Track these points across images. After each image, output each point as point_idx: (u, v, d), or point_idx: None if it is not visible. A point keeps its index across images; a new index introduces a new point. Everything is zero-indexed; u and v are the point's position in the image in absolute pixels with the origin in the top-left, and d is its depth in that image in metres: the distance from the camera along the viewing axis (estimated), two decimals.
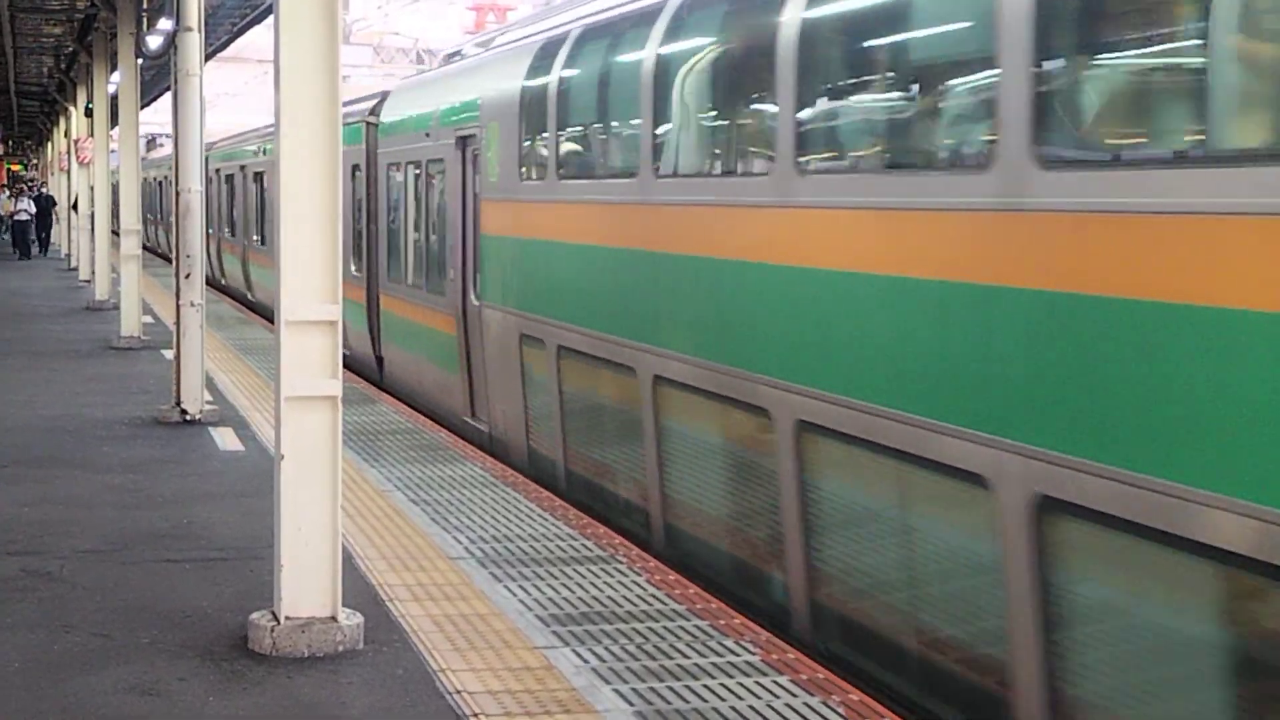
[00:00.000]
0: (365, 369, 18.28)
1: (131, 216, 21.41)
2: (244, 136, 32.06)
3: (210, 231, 33.24)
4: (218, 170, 32.67)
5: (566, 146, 11.77)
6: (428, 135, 15.44)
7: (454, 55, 17.90)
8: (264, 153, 27.19)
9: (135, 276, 20.63)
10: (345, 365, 18.35)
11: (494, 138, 12.98)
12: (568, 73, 11.72)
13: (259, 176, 27.85)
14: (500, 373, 13.00)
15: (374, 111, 18.28)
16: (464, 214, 14.00)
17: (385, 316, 17.55)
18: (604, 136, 11.48)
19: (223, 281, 32.84)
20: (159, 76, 34.23)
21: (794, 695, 6.56)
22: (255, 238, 28.29)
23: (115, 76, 23.72)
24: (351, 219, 18.50)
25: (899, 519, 7.43)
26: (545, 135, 11.88)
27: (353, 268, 18.42)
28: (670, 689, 6.61)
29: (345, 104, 22.06)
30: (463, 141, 14.05)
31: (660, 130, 9.87)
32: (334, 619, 7.12)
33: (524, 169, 12.34)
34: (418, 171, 16.19)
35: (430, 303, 15.38)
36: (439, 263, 15.26)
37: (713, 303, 9.06)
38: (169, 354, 15.51)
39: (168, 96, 22.02)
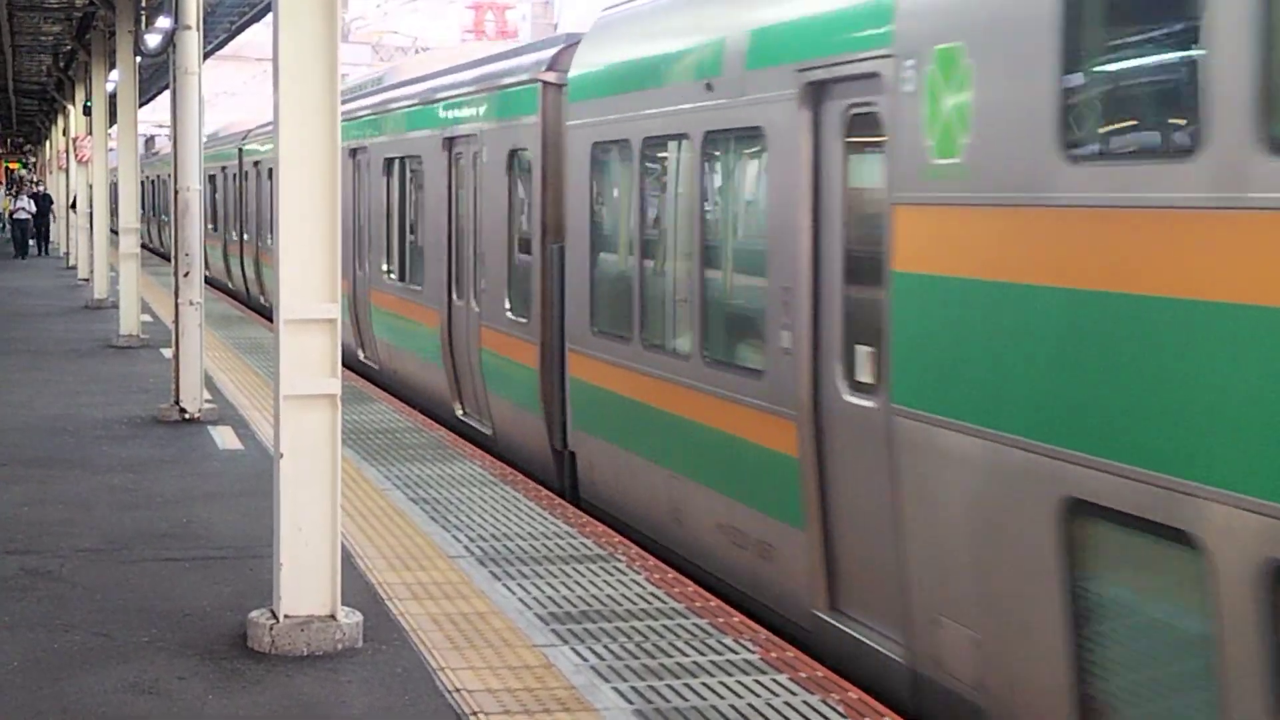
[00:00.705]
0: (524, 460, 12.25)
1: (130, 215, 21.39)
2: None
3: (244, 239, 28.29)
4: (255, 164, 26.70)
5: None
6: (710, 88, 8.91)
7: None
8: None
9: (134, 275, 20.62)
10: (479, 445, 13.11)
11: (951, 77, 6.50)
12: None
13: None
14: (959, 558, 6.49)
15: (555, 64, 11.93)
16: (819, 231, 7.73)
17: (582, 391, 11.02)
18: None
19: (264, 301, 25.83)
20: (157, 75, 34.22)
21: (793, 693, 6.57)
22: None
23: (114, 75, 23.74)
24: (506, 233, 12.82)
25: None
26: (1193, 53, 5.25)
27: (506, 307, 12.67)
28: (670, 687, 6.62)
29: (495, 59, 14.40)
30: (817, 93, 7.72)
31: None
32: (333, 617, 7.12)
33: (1079, 136, 5.84)
34: (678, 154, 9.65)
35: (716, 386, 8.82)
36: (739, 318, 9.02)
37: None
38: (168, 353, 15.52)
39: (166, 95, 22.00)
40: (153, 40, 18.44)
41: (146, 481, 11.07)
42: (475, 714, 6.27)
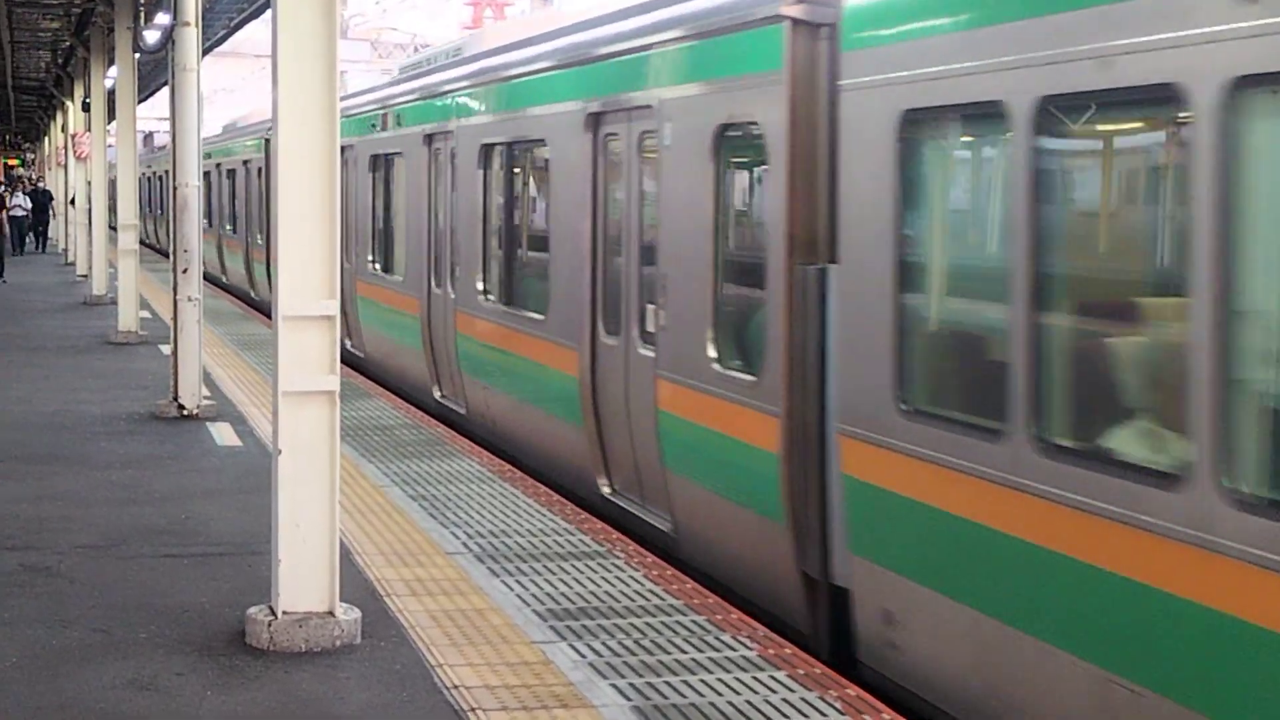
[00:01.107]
0: (737, 577, 8.72)
1: (129, 211, 21.39)
2: (355, 101, 19.27)
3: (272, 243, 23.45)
4: None
5: None
6: None
7: None
8: (397, 123, 16.63)
9: (132, 271, 20.63)
10: (640, 540, 9.46)
11: None
12: None
13: (383, 162, 17.44)
14: None
15: None
16: None
17: (874, 501, 7.27)
18: None
19: None
20: (156, 71, 34.22)
21: (791, 690, 6.57)
22: (375, 263, 17.50)
23: (112, 71, 23.74)
24: (710, 247, 8.94)
25: None
26: None
27: (711, 355, 8.85)
28: (668, 684, 6.62)
29: None
30: None
31: None
32: (331, 614, 7.13)
33: None
34: (1143, 122, 6.09)
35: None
36: None
37: None
38: (166, 349, 15.52)
39: (164, 90, 21.99)
40: (151, 37, 18.44)
41: (145, 478, 11.07)
42: (473, 710, 6.28)
